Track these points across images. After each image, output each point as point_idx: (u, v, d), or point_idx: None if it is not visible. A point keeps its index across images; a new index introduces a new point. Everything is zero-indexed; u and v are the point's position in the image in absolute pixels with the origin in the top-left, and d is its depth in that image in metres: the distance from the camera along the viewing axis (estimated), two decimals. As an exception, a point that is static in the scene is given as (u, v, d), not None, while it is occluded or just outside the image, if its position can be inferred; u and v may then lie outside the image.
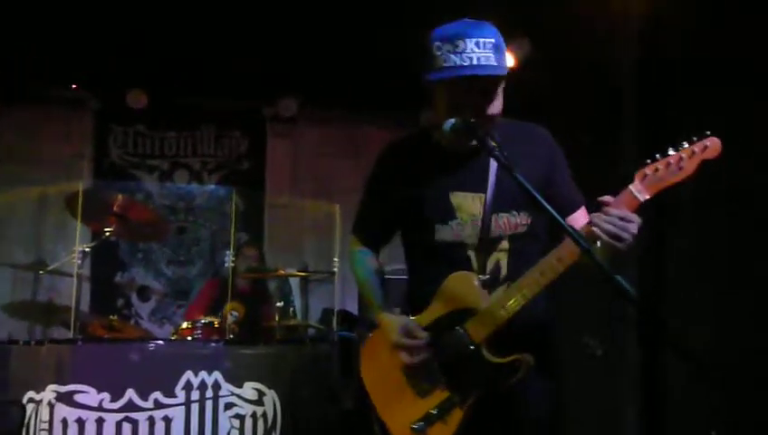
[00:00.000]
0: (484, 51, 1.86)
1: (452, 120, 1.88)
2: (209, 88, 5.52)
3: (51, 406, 3.64)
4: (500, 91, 1.92)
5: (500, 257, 1.99)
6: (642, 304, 1.78)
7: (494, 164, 1.94)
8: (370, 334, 2.12)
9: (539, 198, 1.71)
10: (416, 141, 2.05)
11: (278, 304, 4.78)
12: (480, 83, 1.88)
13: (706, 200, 3.33)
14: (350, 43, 4.84)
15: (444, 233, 1.99)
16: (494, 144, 1.83)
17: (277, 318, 4.65)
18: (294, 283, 5.67)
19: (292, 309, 5.21)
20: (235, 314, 4.31)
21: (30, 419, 3.68)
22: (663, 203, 1.81)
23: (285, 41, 4.87)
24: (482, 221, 1.96)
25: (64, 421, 3.62)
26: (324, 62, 5.13)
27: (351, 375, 4.34)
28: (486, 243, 1.96)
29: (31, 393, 3.70)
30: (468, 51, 1.86)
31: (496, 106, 1.92)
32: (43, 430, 3.62)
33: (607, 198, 1.76)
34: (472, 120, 1.88)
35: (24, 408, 3.70)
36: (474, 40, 1.87)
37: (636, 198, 1.74)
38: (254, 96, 5.80)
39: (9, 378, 3.80)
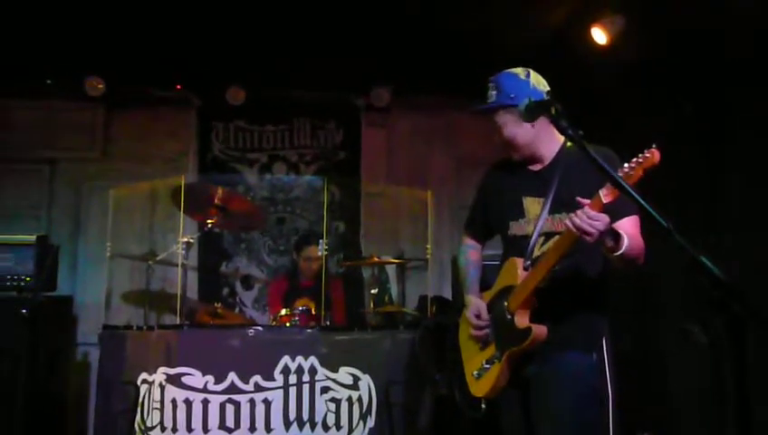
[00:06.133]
0: (488, 91, 2.45)
1: (525, 100, 2.19)
2: (303, 81, 5.61)
3: (162, 387, 3.85)
4: (505, 120, 2.41)
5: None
6: (730, 287, 1.72)
7: (556, 176, 2.35)
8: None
9: (605, 166, 1.91)
10: (506, 161, 2.56)
11: (373, 291, 4.85)
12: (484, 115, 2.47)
13: None
14: (441, 30, 4.81)
15: (515, 228, 2.48)
16: (561, 119, 2.04)
17: (372, 305, 4.72)
18: (391, 270, 5.72)
19: (387, 296, 5.26)
20: (303, 308, 4.41)
21: (144, 398, 3.91)
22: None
23: (377, 30, 4.90)
24: (539, 219, 2.36)
25: (174, 401, 3.82)
26: (416, 51, 5.11)
27: (445, 360, 4.36)
28: (541, 236, 2.37)
29: (144, 375, 3.94)
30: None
31: (506, 132, 2.42)
32: (156, 408, 3.83)
33: (582, 200, 2.09)
34: (545, 97, 2.30)
35: (138, 388, 3.97)
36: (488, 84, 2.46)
37: (601, 200, 2.06)
38: (347, 87, 5.84)
39: (126, 360, 4.06)
